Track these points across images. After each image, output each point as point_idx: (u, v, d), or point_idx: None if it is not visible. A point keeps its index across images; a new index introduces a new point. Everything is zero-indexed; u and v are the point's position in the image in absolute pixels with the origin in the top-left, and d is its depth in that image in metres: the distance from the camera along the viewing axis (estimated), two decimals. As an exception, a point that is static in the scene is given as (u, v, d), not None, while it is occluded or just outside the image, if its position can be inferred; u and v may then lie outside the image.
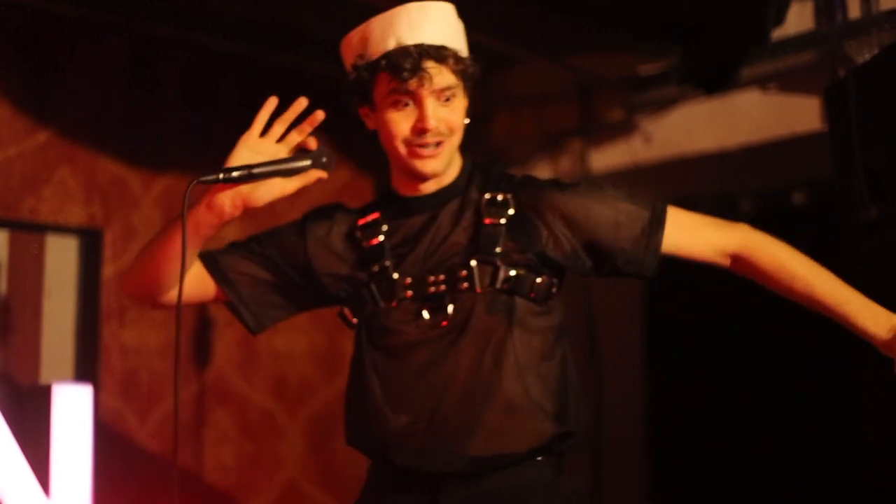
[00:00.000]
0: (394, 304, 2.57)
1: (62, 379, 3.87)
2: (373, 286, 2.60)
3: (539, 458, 2.54)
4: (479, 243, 2.54)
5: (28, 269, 4.11)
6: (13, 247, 4.10)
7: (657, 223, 2.57)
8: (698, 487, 4.67)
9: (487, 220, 2.54)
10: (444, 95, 2.47)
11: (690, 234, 2.60)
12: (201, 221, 2.46)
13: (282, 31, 4.30)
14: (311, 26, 4.13)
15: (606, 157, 4.79)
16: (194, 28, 4.30)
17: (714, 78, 4.25)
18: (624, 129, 4.72)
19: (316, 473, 4.69)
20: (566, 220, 2.58)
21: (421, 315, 2.55)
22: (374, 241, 2.61)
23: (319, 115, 2.48)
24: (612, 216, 2.58)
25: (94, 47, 4.25)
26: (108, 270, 4.18)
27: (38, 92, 4.11)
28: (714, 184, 4.82)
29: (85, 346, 4.16)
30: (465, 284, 2.53)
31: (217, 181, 2.40)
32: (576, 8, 4.00)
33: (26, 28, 4.08)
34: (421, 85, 2.43)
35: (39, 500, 1.82)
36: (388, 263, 2.58)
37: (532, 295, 2.56)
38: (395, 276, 2.57)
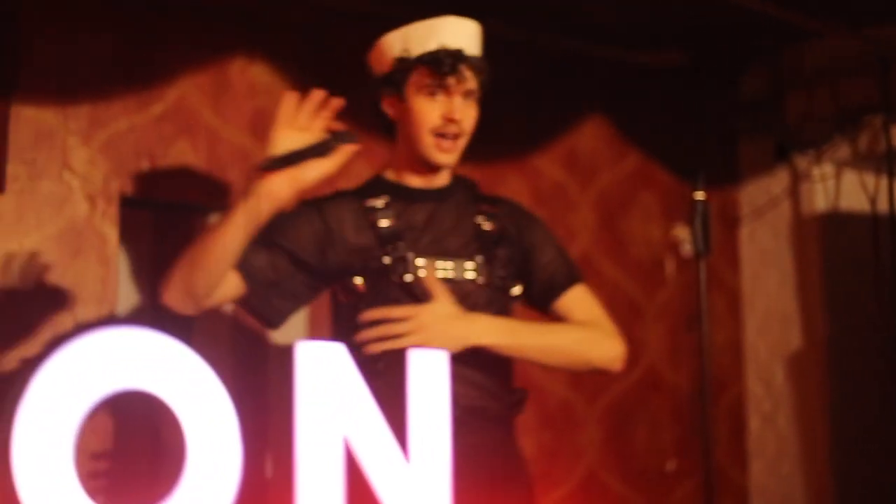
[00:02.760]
0: (406, 280, 2.83)
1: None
2: (386, 262, 2.85)
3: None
4: (481, 243, 2.93)
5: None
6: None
7: (576, 277, 3.06)
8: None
9: (485, 227, 2.95)
10: (469, 96, 2.89)
11: (576, 308, 3.02)
12: (262, 211, 2.72)
13: (567, 18, 4.24)
14: (597, 10, 4.06)
15: (909, 133, 4.55)
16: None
17: None
18: (928, 102, 4.46)
19: (614, 464, 4.59)
20: (528, 249, 3.02)
21: (429, 296, 2.80)
22: (387, 223, 2.90)
23: (338, 101, 2.83)
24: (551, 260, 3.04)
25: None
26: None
27: (331, 86, 4.15)
28: None
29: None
30: (470, 275, 2.89)
31: (276, 166, 2.72)
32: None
33: (315, 20, 4.15)
34: (456, 82, 2.85)
35: (399, 463, 1.77)
36: (401, 244, 2.86)
37: (513, 297, 2.99)
38: (409, 255, 2.85)
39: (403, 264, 2.84)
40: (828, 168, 4.86)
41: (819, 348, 4.89)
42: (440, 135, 2.87)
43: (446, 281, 2.84)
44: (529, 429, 4.35)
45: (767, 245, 4.96)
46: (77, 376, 1.58)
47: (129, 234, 3.81)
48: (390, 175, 3.01)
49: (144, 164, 3.77)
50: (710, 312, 4.77)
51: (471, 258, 2.89)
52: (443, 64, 2.82)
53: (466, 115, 2.89)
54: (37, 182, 3.58)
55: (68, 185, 3.64)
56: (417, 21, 2.90)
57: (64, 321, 3.55)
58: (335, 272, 2.90)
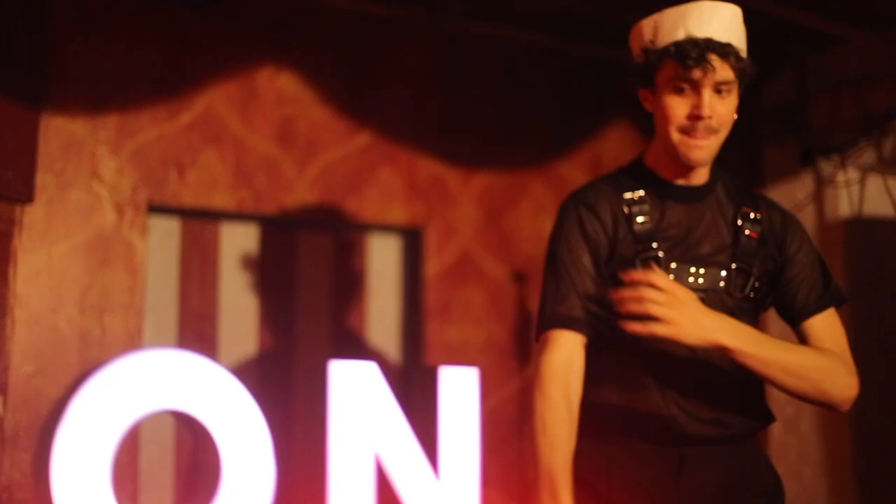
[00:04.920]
0: None
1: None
2: (638, 263, 2.66)
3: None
4: (739, 250, 2.69)
5: (352, 268, 4.19)
6: (338, 246, 4.19)
7: (831, 300, 2.75)
8: None
9: (746, 231, 2.71)
10: (721, 88, 2.60)
11: (825, 335, 2.76)
12: None
13: (594, 24, 4.24)
14: (626, 17, 4.06)
15: (935, 139, 4.55)
16: (504, 23, 4.30)
17: None
18: (954, 107, 4.46)
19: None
20: (786, 259, 2.74)
21: None
22: (644, 221, 2.70)
23: None
24: (808, 277, 2.76)
25: (407, 47, 4.31)
26: (430, 268, 4.21)
27: (357, 94, 4.20)
28: None
29: (409, 343, 4.20)
30: (723, 284, 2.68)
31: None
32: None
33: (341, 32, 4.17)
34: (703, 75, 2.58)
35: (429, 480, 1.79)
36: (655, 245, 2.67)
37: (757, 310, 2.75)
38: (661, 255, 2.66)
39: (655, 266, 2.65)
40: (852, 173, 4.85)
41: (843, 354, 4.88)
42: (687, 132, 2.64)
43: (697, 290, 2.64)
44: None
45: (792, 251, 4.94)
46: (115, 397, 1.61)
47: (157, 244, 3.84)
48: (650, 161, 2.77)
49: (172, 173, 3.80)
50: (734, 318, 4.79)
51: (726, 267, 2.69)
52: (687, 56, 2.58)
53: (718, 109, 2.62)
54: (66, 191, 3.62)
55: (97, 195, 3.67)
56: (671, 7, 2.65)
57: (92, 329, 3.58)
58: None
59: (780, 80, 4.89)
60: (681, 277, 2.65)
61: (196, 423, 1.59)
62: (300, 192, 4.03)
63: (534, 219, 4.51)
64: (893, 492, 4.71)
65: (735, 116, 2.67)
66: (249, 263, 4.04)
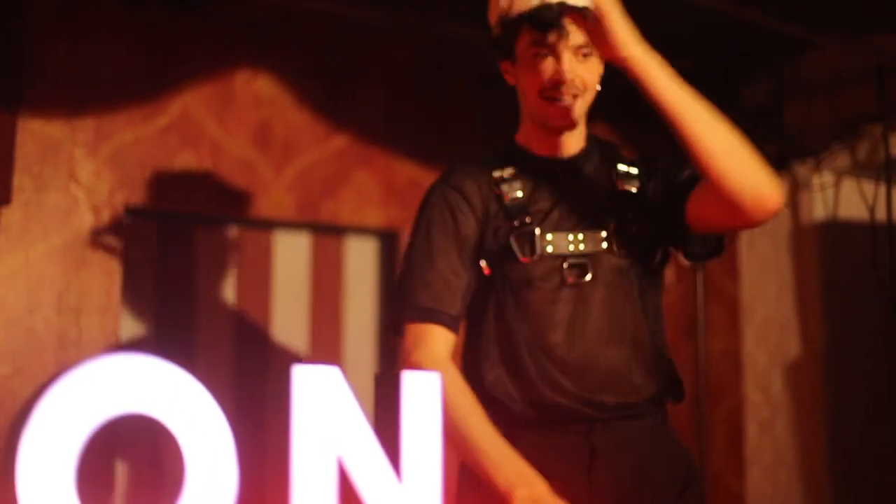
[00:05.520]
0: (535, 259, 2.60)
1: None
2: (513, 240, 2.62)
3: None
4: (615, 209, 2.65)
5: (329, 271, 4.22)
6: (315, 249, 4.21)
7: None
8: None
9: (621, 188, 2.67)
10: (581, 52, 2.55)
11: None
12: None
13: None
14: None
15: (908, 142, 4.59)
16: (483, 27, 4.32)
17: None
18: (927, 111, 4.50)
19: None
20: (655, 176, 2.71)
21: (561, 270, 2.60)
22: (515, 196, 2.65)
23: None
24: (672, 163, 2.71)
25: (385, 50, 4.34)
26: (406, 270, 4.23)
27: (334, 97, 4.22)
28: None
29: (386, 344, 4.23)
30: (605, 245, 2.61)
31: None
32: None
33: (319, 35, 4.19)
34: (560, 39, 2.52)
35: (392, 483, 1.82)
36: (528, 220, 2.62)
37: (650, 264, 2.68)
38: (538, 231, 2.61)
39: (530, 241, 2.61)
40: (827, 177, 4.90)
41: (817, 356, 4.93)
42: (550, 98, 2.57)
43: (580, 255, 2.60)
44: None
45: (767, 254, 4.99)
46: (79, 401, 1.64)
47: (134, 246, 3.86)
48: (521, 139, 2.74)
49: (149, 176, 3.82)
50: (709, 321, 4.83)
51: (606, 227, 2.63)
52: (542, 22, 2.51)
53: (578, 73, 2.54)
54: (43, 194, 3.64)
55: (74, 197, 3.69)
56: None
57: (69, 331, 3.60)
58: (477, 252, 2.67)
59: (756, 84, 4.93)
60: (560, 246, 2.61)
61: (160, 426, 1.62)
62: (277, 194, 4.06)
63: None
64: (868, 493, 4.75)
65: (599, 77, 2.60)
66: (226, 266, 4.06)
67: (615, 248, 2.62)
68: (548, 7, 2.51)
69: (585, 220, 2.63)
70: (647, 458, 2.61)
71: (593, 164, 2.72)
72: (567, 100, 2.56)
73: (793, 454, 4.88)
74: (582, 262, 2.60)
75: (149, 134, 3.84)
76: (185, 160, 3.90)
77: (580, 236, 2.62)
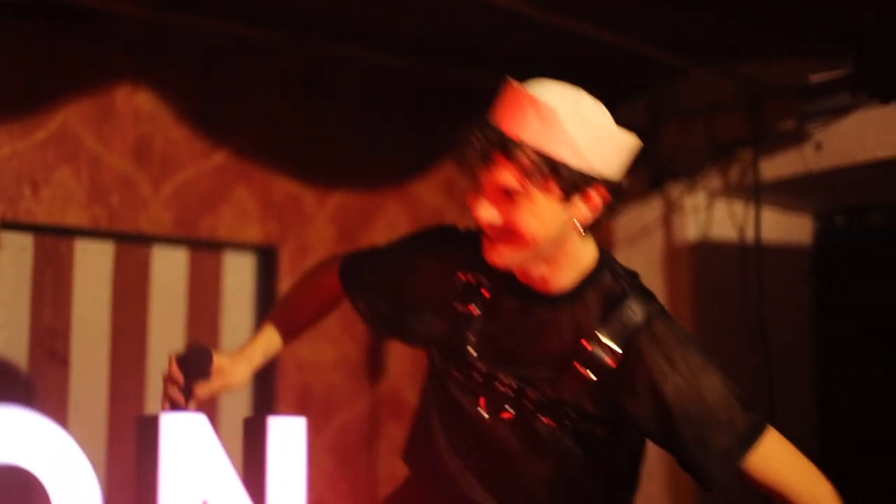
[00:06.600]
0: (463, 376, 2.39)
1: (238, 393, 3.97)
2: (446, 349, 2.42)
3: None
4: (561, 383, 2.28)
5: (206, 287, 4.22)
6: (193, 265, 4.21)
7: (747, 442, 2.27)
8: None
9: (580, 368, 2.26)
10: (510, 194, 2.17)
11: (777, 472, 2.30)
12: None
13: (452, 47, 4.31)
14: (483, 41, 4.15)
15: (777, 167, 4.71)
16: (362, 45, 4.35)
17: (891, 87, 4.16)
18: (795, 138, 4.62)
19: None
20: (660, 411, 2.27)
21: (482, 398, 2.37)
22: (469, 309, 2.37)
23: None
24: (706, 419, 2.27)
25: (265, 67, 4.35)
26: (285, 286, 4.26)
27: (214, 113, 4.22)
28: (887, 192, 4.73)
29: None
30: (531, 406, 2.31)
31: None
32: (745, 16, 3.95)
33: (200, 51, 4.19)
34: (485, 172, 2.18)
35: (257, 528, 1.87)
36: (472, 338, 2.36)
37: (587, 440, 2.36)
38: (474, 355, 2.36)
39: (465, 361, 2.35)
40: (700, 198, 5.02)
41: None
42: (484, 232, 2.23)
43: (504, 396, 2.31)
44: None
45: (640, 272, 5.06)
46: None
47: (10, 260, 3.83)
48: None
49: (26, 190, 3.79)
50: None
51: (541, 392, 2.28)
52: (468, 146, 2.18)
53: (505, 215, 2.18)
54: (-84, 207, 3.60)
55: (-52, 211, 3.65)
56: None
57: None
58: (404, 323, 2.57)
59: (633, 107, 5.03)
60: (488, 380, 2.33)
61: (28, 475, 1.64)
62: (155, 209, 4.05)
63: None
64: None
65: (546, 224, 2.18)
66: (103, 280, 4.04)
67: (539, 413, 2.31)
68: (481, 129, 2.21)
69: (527, 372, 2.31)
70: None
71: (575, 313, 2.29)
72: (496, 242, 2.24)
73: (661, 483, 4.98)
74: (506, 402, 2.34)
75: (26, 148, 3.81)
76: (63, 175, 3.87)
77: (513, 384, 2.32)
